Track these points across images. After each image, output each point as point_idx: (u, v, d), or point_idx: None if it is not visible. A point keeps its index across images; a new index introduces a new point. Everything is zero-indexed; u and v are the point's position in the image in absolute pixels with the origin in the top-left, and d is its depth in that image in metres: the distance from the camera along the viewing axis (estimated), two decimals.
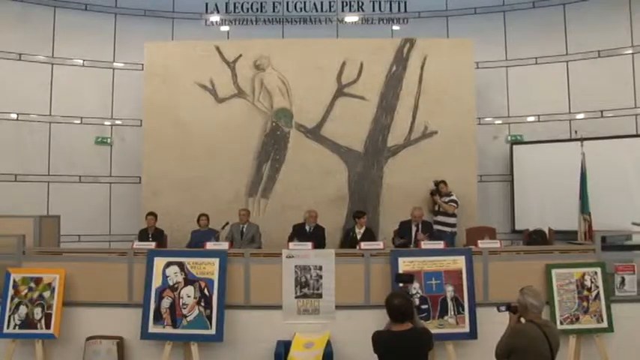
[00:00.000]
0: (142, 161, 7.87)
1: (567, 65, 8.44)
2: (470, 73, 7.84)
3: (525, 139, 8.51)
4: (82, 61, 8.56)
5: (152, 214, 7.11)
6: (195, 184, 7.75)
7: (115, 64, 8.67)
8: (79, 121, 8.49)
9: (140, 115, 8.09)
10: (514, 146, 8.47)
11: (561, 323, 4.92)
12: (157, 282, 5.08)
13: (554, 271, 5.08)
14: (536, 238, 6.48)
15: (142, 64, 8.14)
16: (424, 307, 4.96)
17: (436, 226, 7.19)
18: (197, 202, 7.58)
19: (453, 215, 7.27)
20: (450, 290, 5.02)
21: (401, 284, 4.06)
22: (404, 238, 6.51)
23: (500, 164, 8.63)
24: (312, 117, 7.86)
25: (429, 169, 7.59)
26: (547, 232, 6.86)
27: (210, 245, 5.55)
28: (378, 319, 4.21)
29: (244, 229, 7.06)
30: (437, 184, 7.41)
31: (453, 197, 7.28)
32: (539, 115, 8.55)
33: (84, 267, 5.22)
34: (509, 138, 8.65)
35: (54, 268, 5.17)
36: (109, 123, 8.63)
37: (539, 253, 5.38)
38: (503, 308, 3.49)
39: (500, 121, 8.72)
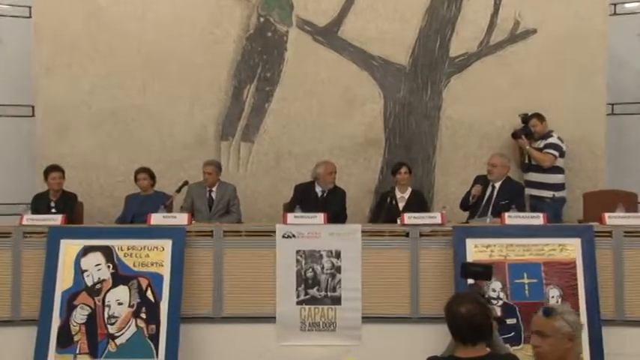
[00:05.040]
0: (34, 79, 7.82)
1: None
2: None
3: None
4: None
5: (56, 169, 7.10)
6: (129, 119, 7.75)
7: None
8: None
9: None
10: None
11: None
12: (65, 281, 5.16)
13: None
14: None
15: None
16: (510, 321, 5.01)
17: (529, 190, 7.18)
18: (134, 148, 7.65)
19: (557, 170, 7.23)
20: (555, 295, 5.10)
21: (471, 281, 4.11)
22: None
23: None
24: (324, 7, 7.81)
25: (520, 95, 7.55)
26: None
27: (157, 219, 5.64)
28: (432, 340, 4.30)
29: (213, 195, 7.12)
30: (526, 119, 7.31)
31: (553, 140, 7.19)
32: None
33: None
34: None
35: None
36: None
37: None
38: None
39: None
